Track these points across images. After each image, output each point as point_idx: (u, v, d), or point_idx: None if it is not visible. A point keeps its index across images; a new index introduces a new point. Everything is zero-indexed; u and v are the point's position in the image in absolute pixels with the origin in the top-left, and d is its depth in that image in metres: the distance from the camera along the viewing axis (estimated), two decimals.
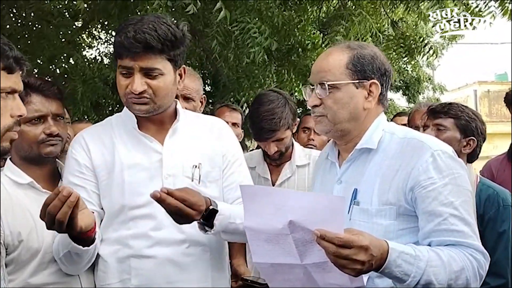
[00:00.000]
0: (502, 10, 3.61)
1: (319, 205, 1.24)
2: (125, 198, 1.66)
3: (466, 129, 2.12)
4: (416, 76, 10.47)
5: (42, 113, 1.72)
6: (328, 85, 1.50)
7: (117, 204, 1.67)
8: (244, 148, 4.14)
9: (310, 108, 1.57)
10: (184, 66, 1.75)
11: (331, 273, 1.28)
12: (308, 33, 4.82)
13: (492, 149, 19.96)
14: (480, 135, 2.16)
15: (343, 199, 1.25)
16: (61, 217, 1.33)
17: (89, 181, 1.69)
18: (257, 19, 3.76)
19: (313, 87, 1.55)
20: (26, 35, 5.68)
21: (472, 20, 4.02)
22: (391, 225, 1.41)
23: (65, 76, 5.98)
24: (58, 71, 6.06)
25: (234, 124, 3.24)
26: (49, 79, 4.91)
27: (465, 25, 4.06)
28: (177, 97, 2.38)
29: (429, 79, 11.27)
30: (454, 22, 4.13)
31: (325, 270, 1.30)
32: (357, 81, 1.50)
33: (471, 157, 2.18)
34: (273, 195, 1.33)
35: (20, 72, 1.28)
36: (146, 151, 1.71)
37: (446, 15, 4.08)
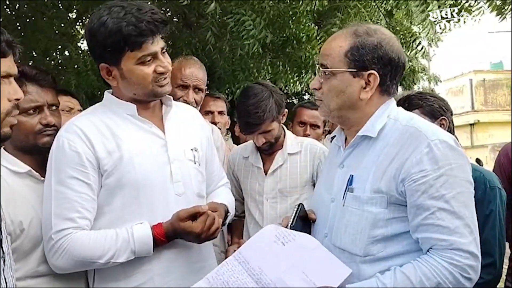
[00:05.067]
0: (489, 6, 3.66)
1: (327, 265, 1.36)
2: (138, 187, 1.65)
3: (433, 113, 2.18)
4: (411, 67, 10.46)
5: (38, 103, 1.71)
6: (324, 71, 1.51)
7: (129, 194, 1.65)
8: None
9: (307, 91, 1.60)
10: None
11: None
12: (303, 26, 4.81)
13: (487, 137, 20.10)
14: (447, 111, 2.22)
15: (349, 271, 1.35)
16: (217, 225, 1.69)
17: (92, 176, 1.62)
18: (251, 11, 3.75)
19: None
20: (20, 27, 5.65)
21: (452, 16, 4.07)
22: (381, 213, 1.42)
23: (60, 68, 5.96)
24: (52, 63, 6.03)
25: (220, 113, 3.24)
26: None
27: (457, 19, 4.10)
28: (187, 87, 2.45)
29: (423, 69, 11.26)
30: (445, 19, 4.17)
31: None
32: (354, 70, 1.48)
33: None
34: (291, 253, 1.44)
35: (13, 56, 1.26)
36: (149, 137, 1.72)
37: (441, 11, 4.10)
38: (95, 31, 1.61)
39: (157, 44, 1.64)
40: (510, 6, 3.56)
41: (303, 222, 1.61)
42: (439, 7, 3.42)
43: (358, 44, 1.48)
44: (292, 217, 1.56)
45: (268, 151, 2.47)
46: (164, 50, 1.69)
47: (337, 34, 1.57)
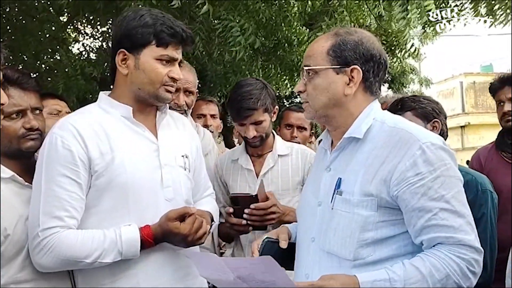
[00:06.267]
0: (474, 12, 3.71)
1: (254, 266, 1.35)
2: (128, 189, 1.65)
3: (426, 115, 2.20)
4: (401, 69, 10.51)
5: (21, 107, 1.69)
6: (307, 70, 1.54)
7: (118, 196, 1.65)
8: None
9: (298, 94, 1.60)
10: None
11: None
12: (294, 29, 4.82)
13: (478, 139, 20.27)
14: (440, 114, 2.23)
15: (271, 258, 1.31)
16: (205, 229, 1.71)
17: (83, 175, 1.61)
18: (240, 16, 3.75)
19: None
20: (10, 30, 5.61)
21: (452, 17, 4.10)
22: (371, 216, 1.42)
23: (50, 71, 5.93)
24: (43, 66, 6.00)
25: (212, 116, 3.26)
26: (34, 75, 4.86)
27: (443, 23, 4.14)
28: (178, 90, 2.45)
29: (413, 70, 11.31)
30: (435, 21, 4.20)
31: None
32: (337, 66, 1.50)
33: (443, 138, 2.22)
34: (212, 261, 1.47)
35: None
36: (142, 141, 1.73)
37: (433, 13, 4.14)
38: (129, 19, 1.69)
39: (179, 54, 1.74)
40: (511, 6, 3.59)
41: (273, 253, 1.62)
42: (420, 13, 3.46)
43: (340, 42, 1.52)
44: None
45: (258, 151, 2.46)
46: (181, 64, 1.78)
47: (319, 37, 1.62)
